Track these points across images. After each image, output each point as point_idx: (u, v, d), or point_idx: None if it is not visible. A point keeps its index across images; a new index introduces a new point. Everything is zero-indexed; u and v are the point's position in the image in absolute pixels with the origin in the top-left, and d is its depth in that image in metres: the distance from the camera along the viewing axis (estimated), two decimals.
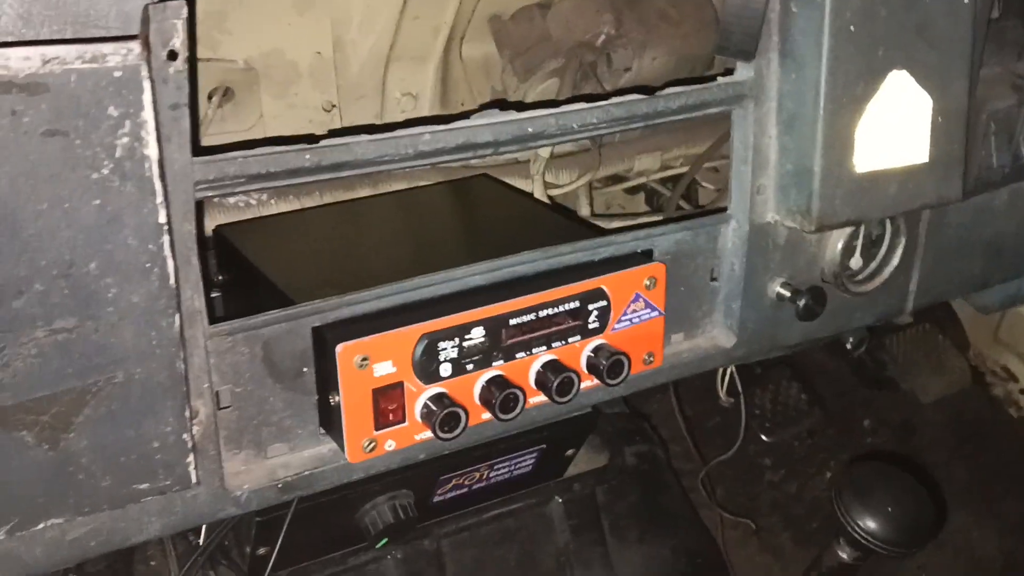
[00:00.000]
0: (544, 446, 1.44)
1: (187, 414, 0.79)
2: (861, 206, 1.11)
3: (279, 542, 1.24)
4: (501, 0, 1.48)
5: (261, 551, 1.30)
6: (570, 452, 1.52)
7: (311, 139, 0.92)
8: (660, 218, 1.48)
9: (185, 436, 0.79)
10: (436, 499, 1.40)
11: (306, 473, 0.95)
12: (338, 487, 1.20)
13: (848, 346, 1.51)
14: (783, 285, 1.17)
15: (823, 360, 1.96)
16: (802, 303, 1.15)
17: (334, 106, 1.44)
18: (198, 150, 0.83)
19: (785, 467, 1.91)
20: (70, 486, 0.76)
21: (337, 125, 1.44)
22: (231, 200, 1.28)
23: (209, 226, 1.21)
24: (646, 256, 1.09)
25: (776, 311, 1.19)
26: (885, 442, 1.99)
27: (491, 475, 1.43)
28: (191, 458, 0.81)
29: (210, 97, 1.34)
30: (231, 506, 0.92)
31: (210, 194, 0.84)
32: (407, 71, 1.49)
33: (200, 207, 0.84)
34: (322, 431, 0.97)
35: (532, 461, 1.46)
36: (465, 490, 1.42)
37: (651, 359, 1.09)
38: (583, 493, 1.54)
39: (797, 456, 1.89)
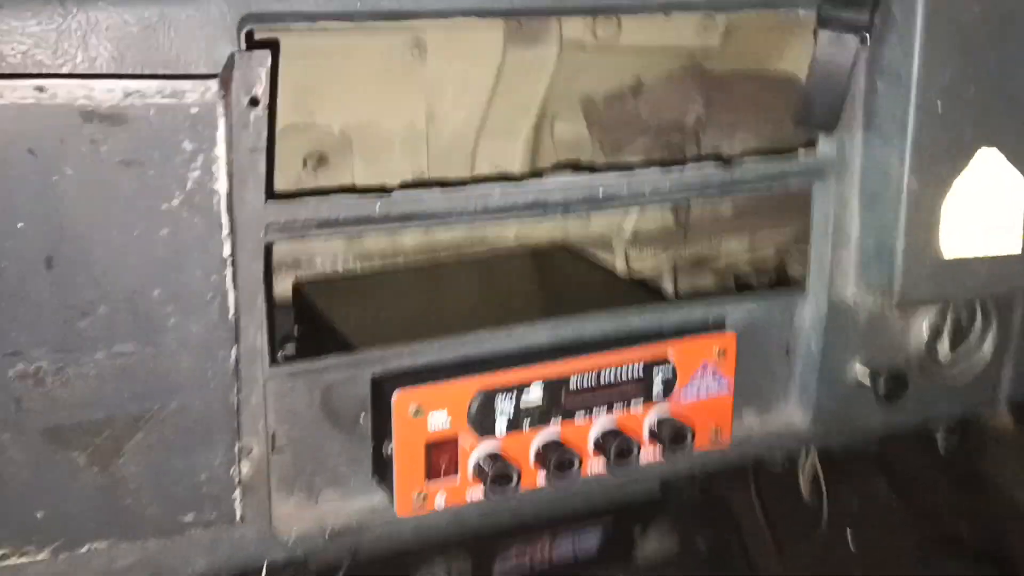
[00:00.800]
0: (608, 523, 1.40)
1: (236, 449, 0.79)
2: (947, 286, 1.07)
3: None
4: (593, 82, 1.50)
5: None
6: (637, 534, 1.47)
7: (385, 190, 0.94)
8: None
9: (233, 471, 0.80)
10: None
11: (355, 523, 0.94)
12: (393, 546, 1.19)
13: (939, 442, 1.43)
14: (863, 366, 1.12)
15: (913, 457, 1.86)
16: (882, 385, 1.10)
17: (422, 173, 1.47)
18: (272, 195, 0.86)
19: (870, 568, 1.79)
20: (117, 511, 0.77)
21: None
22: (318, 261, 1.31)
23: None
24: (718, 326, 1.07)
25: (856, 393, 1.13)
26: (979, 551, 1.86)
27: (554, 552, 1.39)
28: (237, 494, 0.81)
29: (305, 163, 1.39)
30: (277, 549, 0.91)
31: (281, 236, 0.86)
32: (496, 146, 1.51)
33: (270, 251, 0.86)
34: (376, 480, 0.96)
35: (596, 540, 1.42)
36: (527, 570, 1.39)
37: (719, 435, 1.06)
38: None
39: (881, 558, 1.78)
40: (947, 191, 1.05)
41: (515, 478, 0.94)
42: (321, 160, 1.41)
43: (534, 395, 0.95)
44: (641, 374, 0.99)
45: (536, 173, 1.00)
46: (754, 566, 1.67)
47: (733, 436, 1.09)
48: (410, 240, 1.35)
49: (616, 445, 0.97)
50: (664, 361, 1.00)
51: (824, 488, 1.51)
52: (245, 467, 0.86)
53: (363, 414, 0.93)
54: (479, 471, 0.93)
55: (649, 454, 1.01)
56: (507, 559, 1.35)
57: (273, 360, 0.88)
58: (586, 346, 1.00)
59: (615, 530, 1.40)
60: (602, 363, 0.97)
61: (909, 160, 1.03)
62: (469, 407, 0.93)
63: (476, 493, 0.95)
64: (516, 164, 1.53)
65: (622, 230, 1.39)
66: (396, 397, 0.90)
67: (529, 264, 1.36)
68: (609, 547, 1.42)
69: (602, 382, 0.98)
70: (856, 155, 1.07)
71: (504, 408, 0.94)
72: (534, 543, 1.35)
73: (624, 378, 0.99)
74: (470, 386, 0.92)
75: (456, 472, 0.94)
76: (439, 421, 0.92)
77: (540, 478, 0.97)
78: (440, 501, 0.94)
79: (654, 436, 1.01)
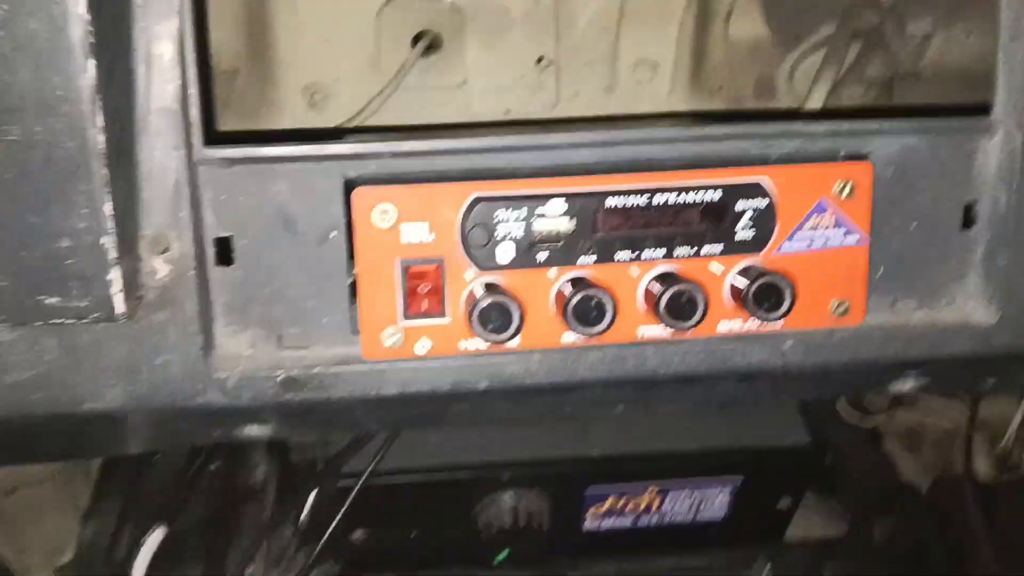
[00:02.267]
0: (742, 481, 1.08)
1: (106, 210, 0.60)
2: None
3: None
4: None
5: (357, 534, 1.07)
6: (784, 503, 1.14)
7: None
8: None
9: (104, 241, 0.61)
10: (588, 524, 1.10)
11: (316, 370, 0.72)
12: (451, 468, 0.97)
13: None
14: None
15: None
16: None
17: (551, 62, 1.26)
18: None
19: None
20: None
21: (551, 84, 1.25)
22: None
23: None
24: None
25: None
26: None
27: (666, 507, 1.09)
28: (113, 275, 0.62)
29: (415, 42, 1.22)
30: (213, 391, 0.71)
31: None
32: (644, 34, 1.26)
33: None
34: (351, 322, 0.74)
35: (726, 502, 1.10)
36: (629, 521, 1.10)
37: (844, 309, 0.74)
38: (804, 565, 1.13)
39: None
40: None
41: (516, 319, 0.68)
42: (434, 43, 1.24)
43: (554, 213, 0.69)
44: (719, 203, 0.70)
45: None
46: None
47: (875, 324, 0.77)
48: None
49: (672, 293, 0.69)
50: (755, 188, 0.71)
51: None
52: (159, 266, 0.68)
53: (334, 232, 0.72)
54: (471, 306, 0.68)
55: (726, 319, 0.72)
56: (600, 502, 1.07)
57: (209, 138, 0.68)
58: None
59: (749, 486, 1.08)
60: (657, 181, 0.70)
61: None
62: (461, 222, 0.69)
63: (473, 345, 0.71)
64: (669, 59, 1.28)
65: None
66: (356, 196, 0.68)
67: None
68: (743, 510, 1.10)
69: (657, 209, 0.70)
70: None
71: (511, 229, 0.69)
72: (633, 487, 1.06)
73: (692, 205, 0.70)
74: (462, 191, 0.68)
75: (443, 313, 0.70)
76: (418, 235, 0.68)
77: (568, 335, 0.71)
78: (423, 347, 0.70)
79: (738, 296, 0.71)
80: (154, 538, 1.11)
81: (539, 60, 1.22)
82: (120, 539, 1.27)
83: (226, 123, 1.15)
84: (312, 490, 1.08)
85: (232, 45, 1.14)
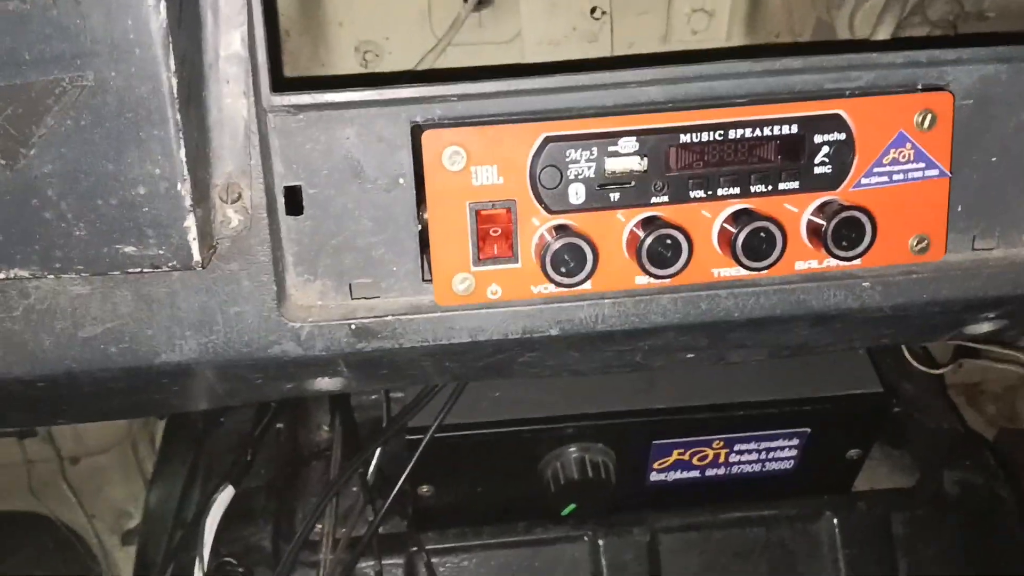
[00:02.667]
0: (809, 432, 1.06)
1: (181, 155, 0.60)
2: None
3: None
4: None
5: (423, 489, 1.08)
6: (853, 454, 1.12)
7: None
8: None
9: (180, 188, 0.61)
10: (654, 476, 1.09)
11: (389, 318, 0.72)
12: (515, 423, 0.97)
13: None
14: None
15: None
16: None
17: (604, 12, 1.24)
18: None
19: None
20: (35, 225, 0.61)
21: (606, 35, 1.23)
22: None
23: None
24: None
25: None
26: None
27: (732, 459, 1.08)
28: (189, 222, 0.62)
29: None
30: (287, 341, 0.71)
31: None
32: None
33: None
34: (423, 270, 0.73)
35: (794, 453, 1.09)
36: (696, 473, 1.09)
37: (924, 245, 0.72)
38: (872, 516, 1.12)
39: None
40: None
41: (590, 260, 0.67)
42: None
43: (625, 151, 0.68)
44: (796, 136, 0.68)
45: None
46: None
47: (953, 262, 0.75)
48: None
49: (749, 232, 0.67)
50: (834, 124, 0.69)
51: None
52: (231, 215, 0.68)
53: (402, 177, 0.71)
54: (543, 250, 0.67)
55: (803, 258, 0.70)
56: (666, 454, 1.06)
57: (276, 84, 0.68)
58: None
59: (817, 435, 1.06)
60: (731, 116, 0.68)
61: None
62: (531, 164, 0.68)
63: (545, 288, 0.70)
64: (726, 5, 1.25)
65: None
66: (426, 139, 0.67)
67: None
68: (811, 460, 1.09)
69: (731, 144, 0.68)
70: None
71: (581, 170, 0.68)
72: (700, 440, 1.05)
73: (768, 139, 0.68)
74: (531, 132, 0.67)
75: (515, 259, 0.69)
76: (488, 178, 0.68)
77: (641, 278, 0.70)
78: (495, 292, 0.70)
79: (815, 233, 0.70)
80: (224, 497, 1.12)
81: (593, 10, 1.20)
82: (188, 501, 1.29)
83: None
84: (378, 447, 1.09)
85: (284, 6, 1.13)
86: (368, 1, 1.16)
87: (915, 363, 1.27)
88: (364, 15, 1.16)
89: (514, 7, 1.21)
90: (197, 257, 0.63)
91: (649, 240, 0.67)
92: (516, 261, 0.69)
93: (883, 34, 1.13)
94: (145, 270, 0.63)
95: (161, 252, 0.62)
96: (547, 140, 0.67)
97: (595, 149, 0.67)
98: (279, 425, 1.21)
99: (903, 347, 1.33)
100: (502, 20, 1.22)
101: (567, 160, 0.67)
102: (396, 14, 1.17)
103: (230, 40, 0.66)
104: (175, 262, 0.63)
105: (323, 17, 1.16)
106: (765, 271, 0.69)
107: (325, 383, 0.82)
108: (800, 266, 0.71)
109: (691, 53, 1.21)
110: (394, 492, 1.01)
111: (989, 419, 1.86)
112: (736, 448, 1.07)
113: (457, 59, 1.18)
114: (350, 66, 1.18)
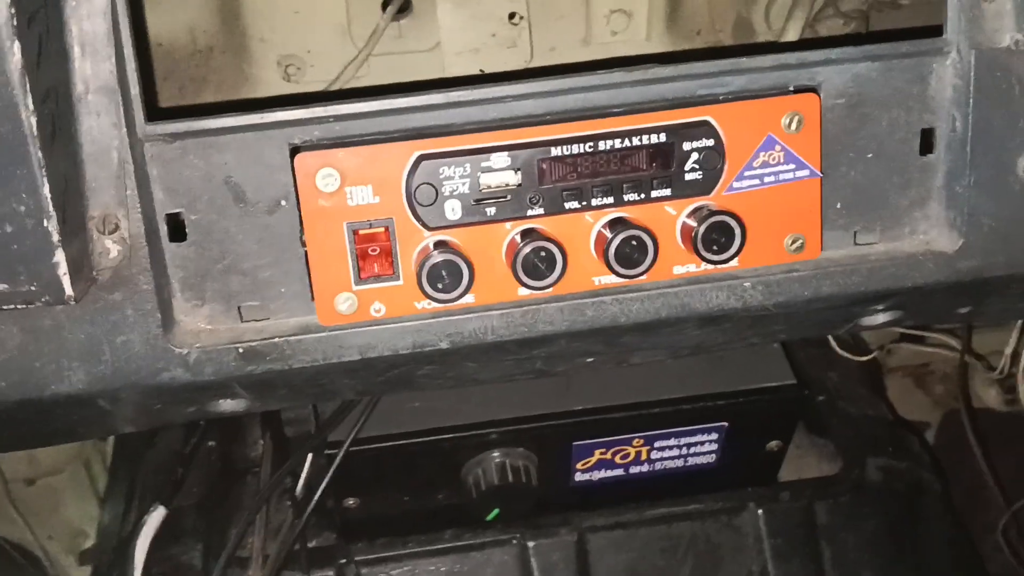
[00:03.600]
0: (727, 426, 1.08)
1: (45, 192, 0.61)
2: None
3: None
4: None
5: (349, 502, 1.09)
6: (774, 445, 1.14)
7: None
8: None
9: (47, 224, 0.61)
10: (578, 476, 1.10)
11: (277, 340, 0.73)
12: (435, 431, 0.97)
13: None
14: None
15: None
16: None
17: (522, 18, 1.24)
18: None
19: None
20: None
21: (525, 40, 1.24)
22: None
23: None
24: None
25: None
26: None
27: (654, 456, 1.10)
28: (58, 258, 0.62)
29: (384, 6, 1.21)
30: (176, 367, 0.72)
31: None
32: None
33: None
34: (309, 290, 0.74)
35: (714, 447, 1.10)
36: (619, 472, 1.10)
37: (799, 244, 0.73)
38: (795, 506, 1.14)
39: None
40: None
41: (466, 275, 0.68)
42: (405, 6, 1.23)
43: (499, 166, 0.69)
44: (665, 144, 0.70)
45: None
46: (956, 509, 1.26)
47: (835, 258, 0.76)
48: None
49: (620, 240, 0.68)
50: (701, 128, 0.70)
51: None
52: (110, 245, 0.68)
53: (283, 200, 0.72)
54: (421, 265, 0.68)
55: (680, 263, 0.72)
56: (587, 455, 1.07)
57: (151, 114, 0.69)
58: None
59: (735, 429, 1.07)
60: (600, 128, 0.69)
61: None
62: (405, 182, 0.68)
63: (428, 304, 0.71)
64: (644, 6, 1.27)
65: None
66: (298, 162, 0.68)
67: None
68: (731, 454, 1.10)
69: (602, 155, 0.69)
70: None
71: (456, 186, 0.69)
72: (620, 439, 1.07)
73: (638, 148, 0.70)
74: (404, 151, 0.68)
75: (396, 276, 0.70)
76: (363, 197, 0.68)
77: (522, 290, 0.71)
78: (378, 310, 0.71)
79: (689, 238, 0.71)
80: (154, 518, 1.12)
81: (511, 16, 1.21)
82: (127, 521, 1.29)
83: (205, 101, 1.16)
84: (304, 461, 1.09)
85: (207, 23, 1.14)
86: (288, 16, 1.16)
87: (840, 351, 1.29)
88: (284, 30, 1.17)
89: (433, 16, 1.21)
90: (69, 292, 0.64)
91: (525, 252, 0.68)
92: (398, 279, 0.70)
93: (793, 29, 1.15)
94: (18, 306, 0.64)
95: (33, 288, 0.63)
96: (421, 158, 0.68)
97: (468, 165, 0.68)
98: (211, 443, 1.21)
99: (829, 336, 1.35)
100: (422, 29, 1.22)
101: (441, 177, 0.68)
102: (315, 27, 1.17)
103: (99, 72, 0.66)
104: (47, 297, 0.63)
105: (244, 33, 1.17)
106: (641, 278, 0.71)
107: (228, 405, 0.82)
108: (679, 270, 0.73)
109: (593, 63, 1.22)
110: (311, 506, 1.02)
111: (937, 400, 1.88)
112: (657, 445, 1.08)
113: (379, 70, 1.19)
114: (274, 80, 1.19)
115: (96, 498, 1.90)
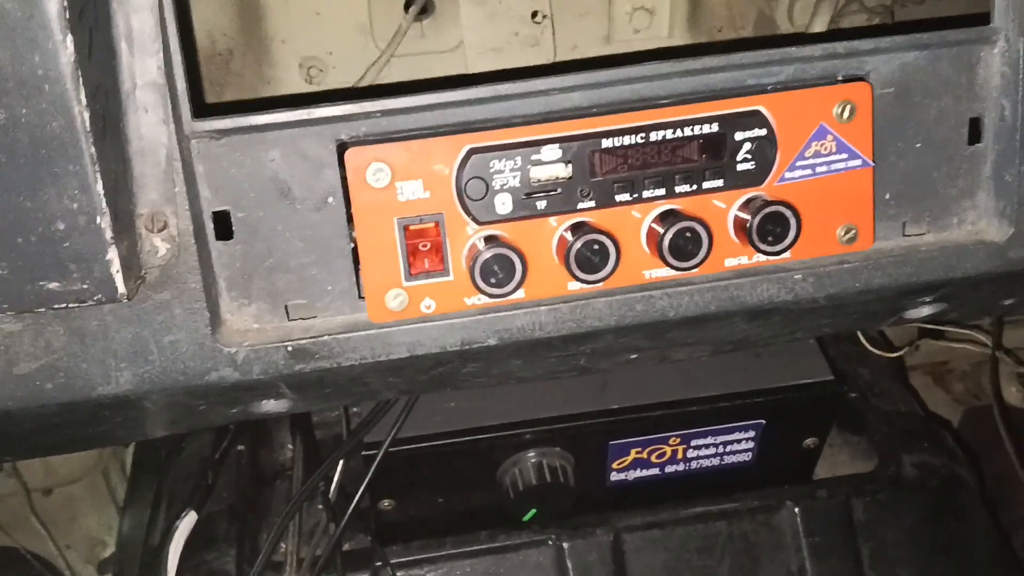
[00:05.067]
0: (763, 424, 1.07)
1: (98, 188, 0.60)
2: None
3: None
4: None
5: (384, 504, 1.08)
6: (810, 442, 1.13)
7: None
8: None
9: (99, 221, 0.61)
10: (614, 476, 1.09)
11: (326, 338, 0.72)
12: (472, 432, 0.97)
13: None
14: None
15: None
16: None
17: (545, 16, 1.24)
18: None
19: None
20: None
21: (548, 39, 1.23)
22: None
23: None
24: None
25: None
26: None
27: (691, 455, 1.09)
28: (111, 255, 0.61)
29: (407, 7, 1.21)
30: (224, 366, 0.71)
31: None
32: None
33: None
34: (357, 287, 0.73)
35: (751, 445, 1.09)
36: (655, 471, 1.09)
37: (851, 235, 0.73)
38: (833, 503, 1.13)
39: None
40: None
41: (519, 269, 0.67)
42: (427, 7, 1.23)
43: (549, 159, 0.68)
44: (716, 135, 0.69)
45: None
46: (993, 504, 1.25)
47: (885, 249, 0.76)
48: None
49: (674, 232, 0.68)
50: (754, 120, 0.69)
51: None
52: (159, 244, 0.68)
53: (331, 197, 0.71)
54: (472, 261, 0.68)
55: (732, 255, 0.71)
56: (624, 454, 1.06)
57: (198, 110, 0.68)
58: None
59: (773, 427, 1.06)
60: (651, 119, 0.68)
61: None
62: (455, 176, 0.68)
63: (479, 300, 0.70)
64: (666, 3, 1.26)
65: None
66: (349, 157, 0.67)
67: None
68: (768, 451, 1.09)
69: (653, 147, 0.69)
70: None
71: (506, 180, 0.68)
72: (657, 438, 1.06)
73: (689, 139, 0.69)
74: (454, 145, 0.67)
75: (446, 271, 0.69)
76: (413, 192, 0.68)
77: (573, 284, 0.70)
78: (428, 306, 0.70)
79: (742, 230, 0.70)
80: (185, 524, 1.11)
81: (534, 15, 1.21)
82: (154, 528, 1.28)
83: None
84: (338, 463, 1.08)
85: (226, 27, 1.13)
86: (309, 17, 1.16)
87: (871, 348, 1.28)
88: (305, 31, 1.16)
89: (455, 16, 1.21)
90: (122, 289, 0.63)
91: (577, 246, 0.67)
92: (448, 274, 0.70)
93: (819, 24, 1.15)
94: (71, 305, 0.63)
95: (85, 286, 0.62)
96: (471, 152, 0.67)
97: (519, 158, 0.68)
98: (240, 447, 1.20)
99: (859, 332, 1.35)
100: (444, 30, 1.22)
101: (491, 171, 0.68)
102: (337, 29, 1.17)
103: (146, 68, 0.66)
104: (100, 295, 0.63)
105: (265, 35, 1.16)
106: (694, 270, 0.70)
107: (271, 405, 0.82)
108: (730, 263, 0.72)
109: (632, 55, 1.21)
110: (351, 508, 1.01)
111: (956, 397, 1.87)
112: (693, 444, 1.07)
113: (402, 70, 1.19)
114: (295, 82, 1.18)
115: (115, 507, 1.89)
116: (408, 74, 1.19)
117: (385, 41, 1.14)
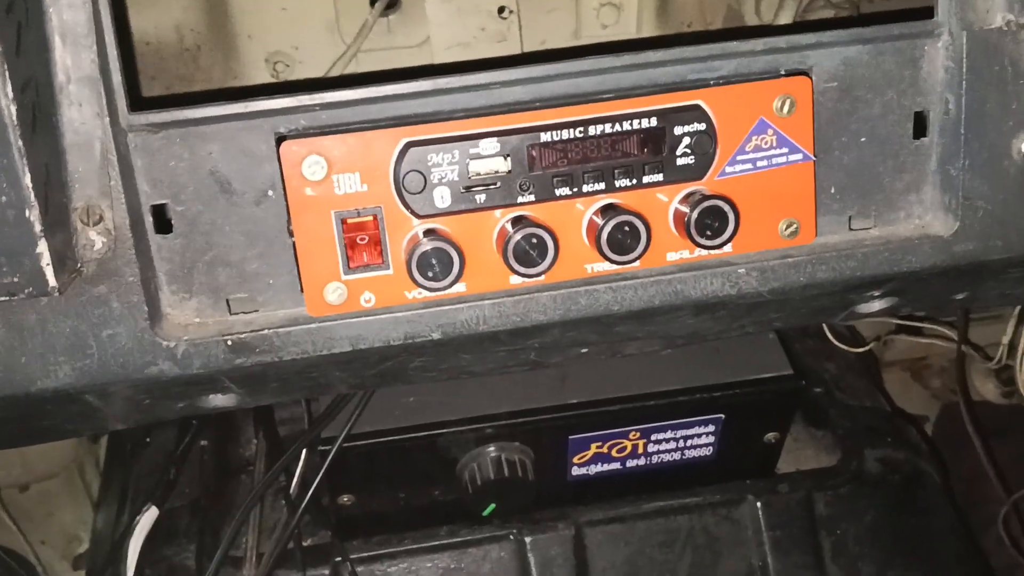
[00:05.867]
0: (723, 418, 1.07)
1: (26, 182, 0.60)
2: None
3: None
4: None
5: (344, 499, 1.08)
6: (771, 437, 1.13)
7: None
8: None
9: (28, 214, 0.60)
10: (575, 470, 1.09)
11: (266, 332, 0.72)
12: (429, 427, 0.96)
13: None
14: None
15: None
16: None
17: (511, 12, 1.24)
18: None
19: None
20: None
21: (515, 34, 1.23)
22: None
23: None
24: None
25: None
26: None
27: (651, 449, 1.09)
28: (41, 248, 0.61)
29: (373, 2, 1.20)
30: (163, 360, 0.71)
31: None
32: None
33: None
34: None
35: (711, 440, 1.09)
36: (616, 466, 1.09)
37: (793, 229, 0.73)
38: (794, 498, 1.13)
39: None
40: None
41: (456, 262, 0.67)
42: (393, 2, 1.22)
43: (488, 153, 0.68)
44: (656, 128, 0.69)
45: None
46: (956, 499, 1.25)
47: (830, 243, 0.76)
48: None
49: (612, 226, 0.67)
50: (692, 112, 0.69)
51: None
52: (95, 237, 0.67)
53: (270, 190, 0.71)
54: (411, 253, 0.67)
55: (674, 249, 0.71)
56: (584, 449, 1.07)
57: (134, 103, 0.68)
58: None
59: (732, 421, 1.07)
60: (589, 113, 0.68)
61: None
62: (393, 170, 0.68)
63: (419, 294, 0.70)
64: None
65: None
66: (284, 150, 0.67)
67: None
68: (729, 446, 1.10)
69: (592, 141, 0.68)
70: None
71: (445, 173, 0.68)
72: (617, 433, 1.06)
73: (628, 133, 0.69)
74: (391, 138, 0.67)
75: (385, 264, 0.69)
76: (351, 185, 0.67)
77: (515, 278, 0.70)
78: (368, 300, 0.70)
79: (681, 224, 0.70)
80: (146, 519, 1.11)
81: (500, 10, 1.20)
82: (119, 523, 1.28)
83: None
84: (298, 457, 1.08)
85: (194, 22, 1.13)
86: (275, 13, 1.15)
87: (836, 343, 1.29)
88: (272, 26, 1.16)
89: (421, 11, 1.21)
90: (53, 283, 0.63)
91: (516, 240, 0.67)
92: (388, 268, 0.69)
93: (785, 19, 1.14)
94: (1, 298, 0.62)
95: (16, 280, 0.62)
96: (408, 145, 0.67)
97: (457, 152, 0.68)
98: (203, 442, 1.20)
99: (824, 327, 1.35)
100: (411, 25, 1.22)
101: (430, 164, 0.68)
102: (304, 24, 1.16)
103: (80, 62, 0.66)
104: (31, 288, 0.62)
105: (232, 30, 1.16)
106: (634, 264, 0.70)
107: (219, 400, 0.82)
108: (672, 257, 0.72)
109: (594, 47, 1.21)
110: (304, 503, 1.01)
111: (935, 393, 1.87)
112: (653, 438, 1.07)
113: (368, 66, 1.18)
114: (262, 78, 1.18)
115: (90, 502, 1.88)
116: (375, 69, 1.19)
117: (351, 36, 1.14)
